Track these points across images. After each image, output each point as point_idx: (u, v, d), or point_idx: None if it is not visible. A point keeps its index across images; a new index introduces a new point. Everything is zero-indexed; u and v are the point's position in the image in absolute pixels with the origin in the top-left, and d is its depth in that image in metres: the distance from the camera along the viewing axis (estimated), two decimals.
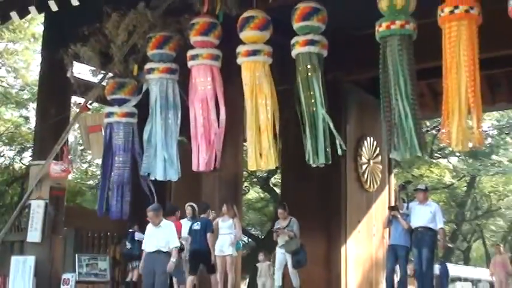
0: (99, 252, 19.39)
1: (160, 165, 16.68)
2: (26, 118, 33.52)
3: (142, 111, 17.39)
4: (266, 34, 15.91)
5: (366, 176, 22.49)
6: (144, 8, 16.63)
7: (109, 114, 17.74)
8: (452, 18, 14.03)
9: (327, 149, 15.20)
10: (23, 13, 17.77)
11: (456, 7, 13.93)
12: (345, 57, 16.86)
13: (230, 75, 16.50)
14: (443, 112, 14.03)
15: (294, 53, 15.55)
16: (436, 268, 16.19)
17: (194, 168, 16.22)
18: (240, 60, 15.96)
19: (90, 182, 35.65)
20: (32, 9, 17.17)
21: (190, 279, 15.33)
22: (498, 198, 42.66)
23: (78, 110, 18.63)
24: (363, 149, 22.30)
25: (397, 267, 15.76)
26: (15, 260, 17.75)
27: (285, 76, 16.84)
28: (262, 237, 32.62)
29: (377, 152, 22.64)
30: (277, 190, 30.73)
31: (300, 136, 15.99)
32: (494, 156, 39.00)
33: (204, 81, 16.37)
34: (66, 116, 18.94)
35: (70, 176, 20.39)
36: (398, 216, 15.43)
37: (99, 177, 24.23)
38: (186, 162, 16.77)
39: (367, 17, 14.87)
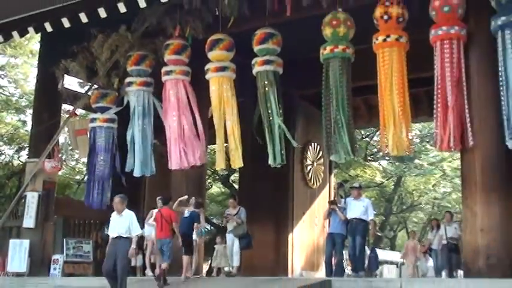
0: (84, 236, 19.16)
1: (138, 164, 16.77)
2: (24, 122, 33.19)
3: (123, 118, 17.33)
4: (231, 54, 16.14)
5: (310, 175, 22.49)
6: (125, 31, 16.70)
7: (93, 120, 17.79)
8: (385, 45, 14.22)
9: (282, 152, 15.31)
10: (22, 33, 17.68)
11: (388, 36, 14.21)
12: (294, 76, 16.81)
13: (198, 88, 16.43)
14: (381, 124, 14.19)
15: (254, 71, 15.73)
16: (367, 252, 16.14)
17: (170, 166, 16.18)
18: (209, 75, 16.08)
19: (77, 177, 35.36)
20: (30, 29, 17.24)
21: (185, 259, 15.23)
22: (419, 195, 42.86)
23: (67, 116, 18.66)
24: (308, 152, 22.30)
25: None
26: (12, 242, 17.62)
27: (242, 90, 16.86)
28: (223, 225, 32.94)
29: (320, 155, 22.63)
30: (236, 186, 30.61)
31: (255, 141, 16.02)
32: (416, 160, 39.26)
33: (176, 93, 16.35)
34: (57, 121, 18.81)
35: (60, 172, 20.17)
36: (337, 209, 15.40)
37: (85, 173, 24.08)
38: (159, 161, 16.74)
39: (313, 42, 14.94)
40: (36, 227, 17.66)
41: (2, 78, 33.41)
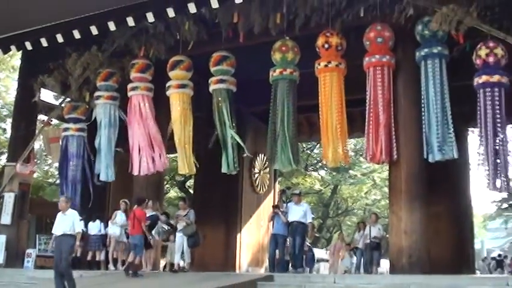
0: None
1: (103, 169, 16.66)
2: (4, 130, 32.66)
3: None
4: (190, 74, 16.21)
5: (257, 182, 22.49)
6: (96, 51, 16.61)
7: (66, 129, 17.63)
8: (326, 70, 14.40)
9: (235, 160, 15.37)
10: (6, 50, 18.00)
11: (329, 62, 14.43)
12: (246, 94, 16.85)
13: (159, 103, 16.41)
14: (323, 139, 14.32)
15: (210, 89, 15.79)
16: (306, 251, 16.19)
17: (133, 172, 16.09)
18: (170, 91, 16.09)
19: (50, 180, 34.86)
20: (13, 47, 17.58)
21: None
22: (353, 201, 43.09)
23: (42, 125, 18.39)
24: (256, 162, 22.29)
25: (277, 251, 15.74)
26: None
27: (200, 105, 16.88)
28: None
29: (266, 165, 22.62)
30: (191, 191, 30.47)
31: (208, 150, 16.05)
32: (351, 171, 39.43)
33: (141, 106, 16.31)
34: (34, 129, 18.53)
35: (34, 175, 19.85)
36: (280, 213, 15.37)
37: (57, 176, 23.79)
38: (122, 167, 16.62)
39: (263, 65, 15.03)
40: (12, 224, 17.33)
41: None
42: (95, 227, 17.37)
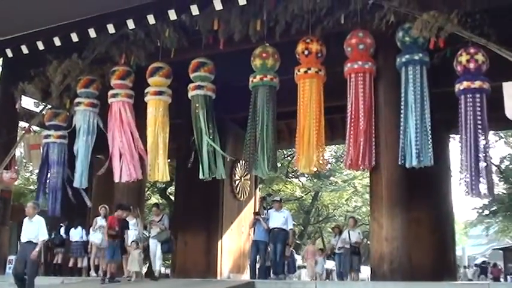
0: None
1: (77, 175, 16.47)
2: None
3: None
4: (169, 81, 16.03)
5: (238, 189, 22.28)
6: (76, 58, 16.36)
7: (47, 136, 17.41)
8: (306, 77, 14.25)
9: (211, 167, 15.23)
10: None
11: (309, 69, 14.26)
12: (226, 101, 16.73)
13: (140, 109, 16.21)
14: (297, 145, 14.14)
15: (189, 95, 15.64)
16: (288, 257, 16.06)
17: (114, 179, 15.83)
18: (148, 98, 15.94)
19: (31, 186, 34.58)
20: None
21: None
22: (334, 208, 43.16)
23: (23, 132, 18.23)
24: (237, 169, 22.09)
25: (258, 257, 15.60)
26: None
27: (180, 112, 16.72)
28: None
29: (247, 171, 22.48)
30: (172, 197, 30.28)
31: (188, 157, 15.87)
32: (332, 178, 39.52)
33: (121, 113, 16.10)
34: (15, 136, 18.30)
35: (16, 182, 19.60)
36: (261, 219, 15.27)
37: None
38: (103, 174, 16.38)
39: (243, 72, 14.89)
40: None
41: None
42: (76, 234, 17.28)
